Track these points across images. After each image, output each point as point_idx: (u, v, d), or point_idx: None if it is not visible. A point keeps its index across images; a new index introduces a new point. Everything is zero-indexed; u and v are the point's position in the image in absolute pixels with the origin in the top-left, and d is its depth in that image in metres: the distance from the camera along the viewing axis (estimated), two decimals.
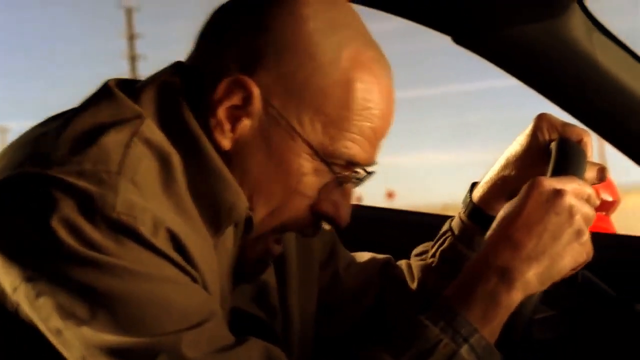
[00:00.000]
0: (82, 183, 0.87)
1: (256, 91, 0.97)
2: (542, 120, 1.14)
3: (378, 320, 1.31)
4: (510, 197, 1.06)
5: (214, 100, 0.97)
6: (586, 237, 0.97)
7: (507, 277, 0.94)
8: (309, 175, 0.99)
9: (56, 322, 0.86)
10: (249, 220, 1.00)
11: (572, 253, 0.96)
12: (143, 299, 0.86)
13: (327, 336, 1.29)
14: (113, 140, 0.92)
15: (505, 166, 1.20)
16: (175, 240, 0.90)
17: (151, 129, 0.94)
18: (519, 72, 1.53)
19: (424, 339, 0.91)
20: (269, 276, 1.16)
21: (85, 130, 0.93)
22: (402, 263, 1.34)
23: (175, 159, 0.94)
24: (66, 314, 0.85)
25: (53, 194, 0.86)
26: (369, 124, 1.00)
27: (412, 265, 1.31)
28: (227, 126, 0.98)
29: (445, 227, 1.28)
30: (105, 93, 0.99)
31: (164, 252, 0.89)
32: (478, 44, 1.52)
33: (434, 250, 1.28)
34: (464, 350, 0.91)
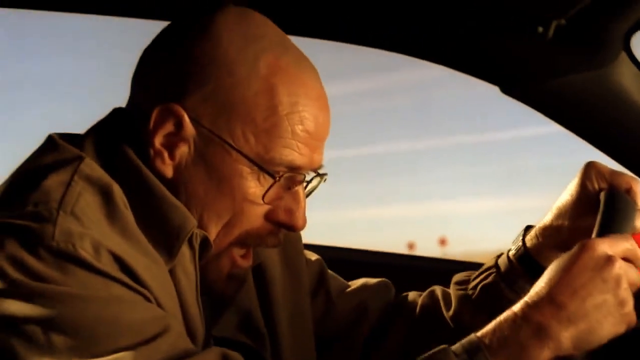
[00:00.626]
0: (23, 222, 0.91)
1: (185, 115, 0.99)
2: (590, 169, 1.14)
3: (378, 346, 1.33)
4: (562, 249, 1.06)
5: (148, 131, 1.00)
6: (629, 307, 0.97)
7: (541, 333, 0.94)
8: (253, 186, 1.01)
9: (20, 353, 0.88)
10: (205, 240, 1.02)
11: (612, 322, 0.96)
12: (93, 321, 0.88)
13: None
14: (54, 181, 0.96)
15: (558, 216, 1.20)
16: (120, 262, 0.92)
17: (91, 167, 0.98)
18: (566, 120, 1.54)
19: None
20: (254, 304, 1.17)
21: (29, 176, 0.98)
22: (437, 289, 1.34)
23: (117, 191, 0.97)
24: (27, 346, 0.88)
25: None
26: (300, 126, 1.01)
27: (452, 293, 1.31)
28: (165, 154, 1.01)
29: (490, 263, 1.29)
30: (49, 143, 1.04)
31: (108, 273, 0.91)
32: (525, 93, 1.54)
33: (475, 282, 1.28)
34: None
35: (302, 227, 1.06)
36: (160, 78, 1.03)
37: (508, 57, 1.48)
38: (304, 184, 1.06)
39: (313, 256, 1.35)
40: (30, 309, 0.88)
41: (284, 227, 1.06)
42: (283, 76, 1.01)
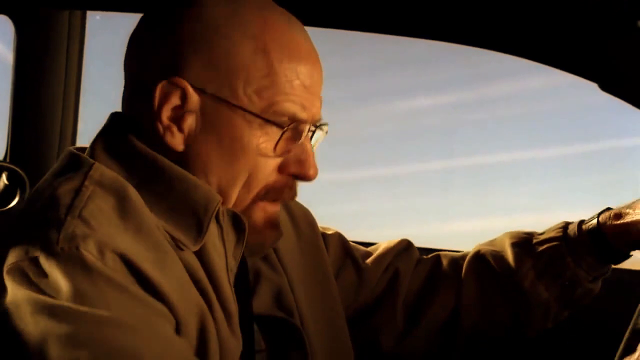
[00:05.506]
0: (31, 231, 0.94)
1: (189, 86, 1.03)
2: None
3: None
4: (629, 241, 1.15)
5: (154, 109, 1.03)
6: None
7: None
8: (263, 140, 1.04)
9: None
10: (235, 216, 1.06)
11: None
12: (87, 341, 0.87)
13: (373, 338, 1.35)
14: (64, 189, 0.98)
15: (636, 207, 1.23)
16: (126, 261, 0.93)
17: (101, 172, 1.00)
18: None
19: None
20: (283, 281, 1.20)
21: (44, 188, 1.02)
22: (482, 250, 1.36)
23: (132, 192, 1.00)
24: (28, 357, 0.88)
25: (11, 249, 0.93)
26: (297, 81, 1.05)
27: (509, 254, 1.33)
28: (174, 128, 1.04)
29: (557, 232, 1.30)
30: (65, 156, 1.07)
31: (110, 276, 0.91)
32: (625, 90, 1.53)
33: (541, 249, 1.31)
34: None
35: (314, 176, 1.09)
36: (156, 55, 1.06)
37: (607, 53, 1.48)
38: (309, 135, 1.09)
39: (330, 230, 1.39)
40: (33, 323, 0.88)
41: (297, 178, 1.09)
42: (274, 33, 1.05)
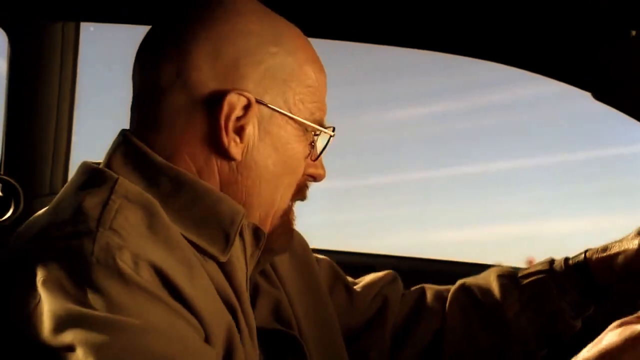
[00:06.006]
0: (64, 243, 0.94)
1: (251, 96, 1.07)
2: None
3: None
4: (612, 272, 1.19)
5: (219, 120, 1.06)
6: None
7: None
8: (304, 146, 1.13)
9: None
10: (257, 230, 1.10)
11: None
12: (122, 350, 0.88)
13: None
14: (91, 202, 0.99)
15: (626, 241, 1.26)
16: (160, 274, 0.94)
17: (125, 186, 1.02)
18: None
19: None
20: (282, 294, 1.22)
21: (67, 201, 1.02)
22: (467, 282, 1.39)
23: (157, 205, 1.01)
24: None
25: (41, 261, 0.93)
26: (324, 90, 1.15)
27: (494, 287, 1.35)
28: (237, 138, 1.07)
29: (543, 266, 1.33)
30: (83, 170, 1.08)
31: (146, 288, 0.92)
32: (618, 98, 1.54)
33: (527, 281, 1.33)
34: None
35: (325, 176, 1.18)
36: (213, 68, 1.07)
37: (600, 62, 1.49)
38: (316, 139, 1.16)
39: (319, 256, 1.42)
40: (72, 335, 0.89)
41: (312, 179, 1.17)
42: (304, 50, 1.13)
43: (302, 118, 1.11)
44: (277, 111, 1.09)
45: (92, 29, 2.04)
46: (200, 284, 0.99)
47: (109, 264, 0.92)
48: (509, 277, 1.36)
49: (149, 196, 1.02)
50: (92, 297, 0.90)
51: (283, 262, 1.28)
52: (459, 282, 1.41)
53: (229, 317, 1.02)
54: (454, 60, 1.68)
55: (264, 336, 1.16)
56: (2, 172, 2.01)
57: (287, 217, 1.15)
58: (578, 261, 1.30)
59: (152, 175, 1.06)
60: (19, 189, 1.97)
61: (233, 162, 1.08)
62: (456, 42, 1.65)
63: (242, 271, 1.08)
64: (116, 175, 1.04)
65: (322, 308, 1.30)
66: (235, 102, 1.06)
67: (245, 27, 1.08)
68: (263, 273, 1.22)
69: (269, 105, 1.08)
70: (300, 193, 1.16)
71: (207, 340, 0.97)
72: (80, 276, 0.91)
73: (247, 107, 1.07)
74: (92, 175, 1.06)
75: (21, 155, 2.01)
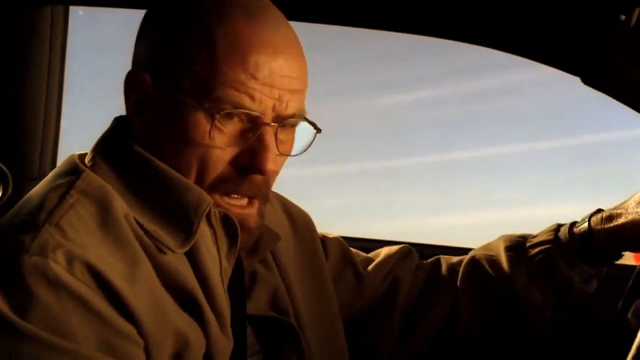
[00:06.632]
0: (10, 231, 0.96)
1: (148, 76, 1.06)
2: None
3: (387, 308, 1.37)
4: (618, 242, 1.16)
5: (125, 101, 1.09)
6: None
7: None
8: (208, 129, 1.04)
9: None
10: (227, 218, 1.07)
11: None
12: None
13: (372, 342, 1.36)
14: (52, 195, 1.01)
15: (628, 209, 1.24)
16: (95, 273, 0.94)
17: (88, 180, 1.03)
18: None
19: None
20: (279, 283, 1.21)
21: (37, 192, 1.05)
22: (477, 255, 1.38)
23: (116, 201, 1.01)
24: None
25: None
26: (244, 71, 1.03)
27: (503, 259, 1.35)
28: (138, 118, 1.08)
29: (548, 235, 1.32)
30: (65, 161, 1.10)
31: (78, 292, 0.92)
32: (607, 84, 1.54)
33: (533, 252, 1.32)
34: None
35: (268, 170, 1.07)
36: (136, 51, 1.11)
37: (590, 47, 1.49)
38: (270, 129, 1.06)
39: (330, 235, 1.40)
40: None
41: (250, 170, 1.07)
42: (225, 27, 1.04)
43: (196, 97, 1.05)
44: (169, 92, 1.06)
45: (80, 12, 2.03)
46: (143, 283, 0.98)
47: (39, 265, 0.92)
48: (517, 248, 1.34)
49: (108, 190, 1.03)
50: (20, 299, 0.91)
51: (287, 247, 1.27)
52: (470, 254, 1.40)
53: (184, 314, 1.02)
54: (444, 46, 1.68)
55: (261, 324, 1.16)
56: None
57: (223, 207, 1.09)
58: (583, 231, 1.28)
59: (126, 164, 1.07)
60: (8, 173, 1.96)
61: (144, 140, 1.08)
62: (447, 27, 1.64)
63: (213, 260, 1.07)
64: (83, 168, 1.05)
65: (322, 295, 1.29)
66: (132, 82, 1.08)
67: (160, 12, 1.10)
68: (262, 261, 1.21)
69: (161, 85, 1.07)
70: (231, 185, 1.09)
71: (147, 344, 0.96)
72: (11, 274, 0.92)
73: (144, 88, 1.08)
74: (67, 166, 1.07)
75: (10, 139, 2.00)
